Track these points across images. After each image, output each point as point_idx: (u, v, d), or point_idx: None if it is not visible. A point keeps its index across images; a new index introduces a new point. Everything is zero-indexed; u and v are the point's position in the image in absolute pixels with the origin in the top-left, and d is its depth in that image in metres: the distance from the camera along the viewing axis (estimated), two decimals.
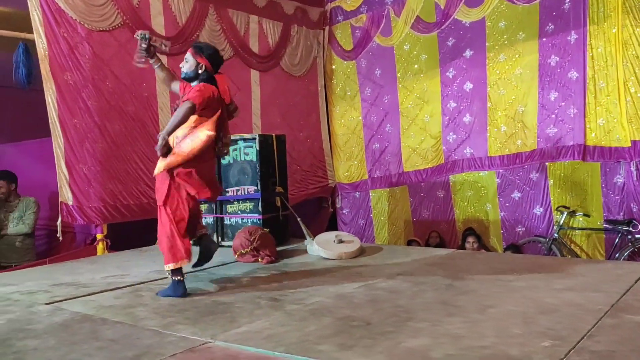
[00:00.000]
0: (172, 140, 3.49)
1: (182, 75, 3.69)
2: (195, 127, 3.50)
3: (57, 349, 2.53)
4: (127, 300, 3.38)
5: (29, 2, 5.04)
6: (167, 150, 3.44)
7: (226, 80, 3.75)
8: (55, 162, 5.17)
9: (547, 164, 6.61)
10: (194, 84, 3.62)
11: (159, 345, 2.53)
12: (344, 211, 8.40)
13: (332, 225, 8.26)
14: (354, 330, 2.64)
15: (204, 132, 3.45)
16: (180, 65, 3.71)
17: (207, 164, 3.68)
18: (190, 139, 3.46)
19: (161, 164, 3.49)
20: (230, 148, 5.24)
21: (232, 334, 2.65)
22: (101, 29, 5.46)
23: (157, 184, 3.59)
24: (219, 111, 3.58)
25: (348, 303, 3.14)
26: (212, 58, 3.68)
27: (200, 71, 3.62)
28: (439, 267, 4.03)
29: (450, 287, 3.40)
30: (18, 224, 5.49)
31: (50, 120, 5.13)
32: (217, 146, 3.70)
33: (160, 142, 3.41)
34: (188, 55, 3.67)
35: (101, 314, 3.06)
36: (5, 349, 2.55)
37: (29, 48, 5.11)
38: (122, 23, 5.61)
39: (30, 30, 5.12)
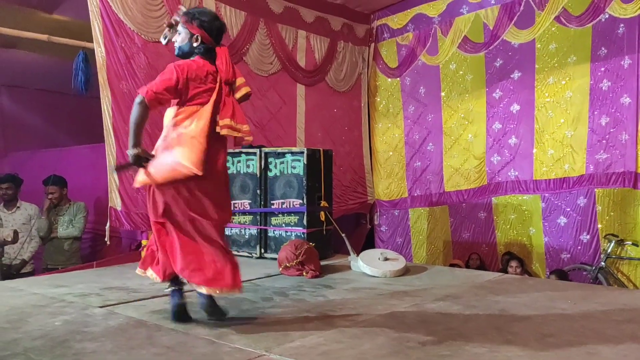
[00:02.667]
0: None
1: (176, 52, 3.06)
2: (176, 124, 2.90)
3: (116, 353, 2.56)
4: None
5: (90, 13, 5.20)
6: (143, 160, 2.89)
7: (225, 54, 3.07)
8: (107, 168, 5.28)
9: (595, 190, 6.45)
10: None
11: (215, 355, 2.54)
12: (382, 228, 8.34)
13: (370, 242, 8.21)
14: (409, 351, 2.60)
15: (184, 162, 2.80)
16: (174, 40, 3.08)
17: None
18: (170, 154, 2.86)
19: (141, 177, 2.95)
20: (278, 161, 5.30)
21: (287, 348, 2.64)
22: (157, 40, 5.54)
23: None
24: (212, 99, 2.93)
25: (399, 322, 3.10)
26: (209, 25, 3.00)
27: (195, 43, 2.99)
28: (488, 290, 3.95)
29: (504, 312, 3.33)
30: (68, 227, 5.62)
31: (104, 127, 5.26)
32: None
33: (131, 158, 2.89)
34: (180, 26, 3.04)
35: (154, 320, 3.09)
36: (64, 350, 2.60)
37: (88, 56, 5.27)
38: None
39: (90, 39, 5.29)
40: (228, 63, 3.03)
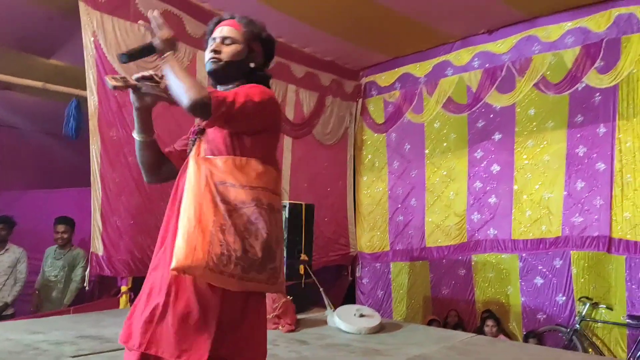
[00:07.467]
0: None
1: (210, 68, 2.04)
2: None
3: None
4: None
5: (85, 62, 5.38)
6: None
7: None
8: (92, 213, 5.34)
9: (571, 252, 6.58)
10: (227, 87, 2.01)
11: None
12: (364, 281, 8.39)
13: (350, 295, 8.24)
14: None
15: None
16: (213, 50, 2.02)
17: None
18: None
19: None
20: None
21: None
22: None
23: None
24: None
25: None
26: (269, 48, 2.11)
27: (252, 64, 2.04)
28: (458, 352, 4.01)
29: None
30: (59, 272, 5.63)
31: (91, 173, 5.36)
32: None
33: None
34: (230, 30, 2.02)
35: None
36: None
37: (81, 104, 5.43)
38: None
39: (83, 86, 5.45)
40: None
